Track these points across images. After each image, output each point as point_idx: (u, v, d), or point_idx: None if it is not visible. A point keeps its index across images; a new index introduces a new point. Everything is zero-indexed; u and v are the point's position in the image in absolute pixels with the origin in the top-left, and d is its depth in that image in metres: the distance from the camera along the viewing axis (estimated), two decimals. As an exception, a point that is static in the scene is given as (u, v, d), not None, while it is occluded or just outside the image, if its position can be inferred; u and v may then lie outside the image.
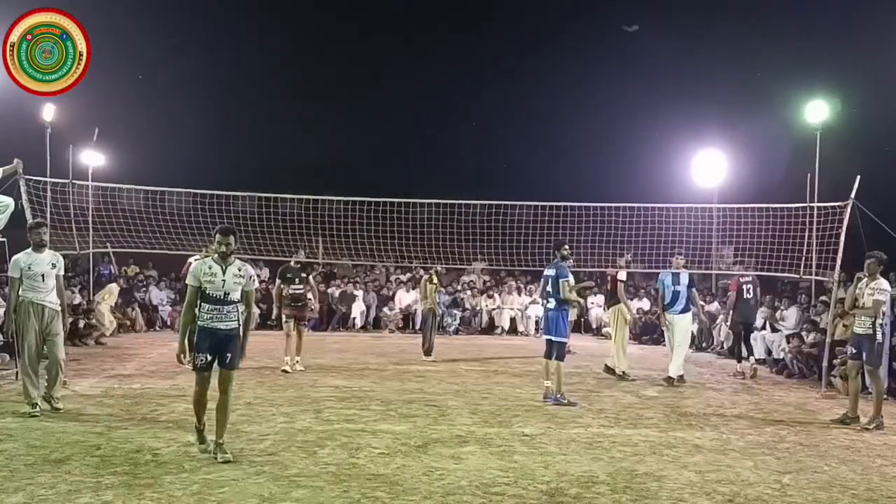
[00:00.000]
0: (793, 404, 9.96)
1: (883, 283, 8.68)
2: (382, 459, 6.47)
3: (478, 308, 20.00)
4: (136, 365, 11.45)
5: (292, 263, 12.31)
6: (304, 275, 12.21)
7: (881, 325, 8.57)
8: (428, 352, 13.57)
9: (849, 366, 9.05)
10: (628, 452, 6.98)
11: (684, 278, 11.69)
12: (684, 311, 11.64)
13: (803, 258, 11.96)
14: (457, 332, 19.17)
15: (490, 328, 19.64)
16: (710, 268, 15.02)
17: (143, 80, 23.83)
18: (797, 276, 12.52)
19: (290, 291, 11.94)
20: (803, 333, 13.16)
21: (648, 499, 5.66)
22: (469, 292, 20.38)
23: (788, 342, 13.19)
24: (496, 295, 20.07)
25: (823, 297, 13.78)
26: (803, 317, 13.97)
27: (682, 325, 11.67)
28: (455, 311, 19.56)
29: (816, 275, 12.11)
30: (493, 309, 19.83)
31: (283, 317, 11.97)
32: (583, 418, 8.56)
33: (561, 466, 6.43)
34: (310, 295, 12.25)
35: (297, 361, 11.71)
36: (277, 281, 12.25)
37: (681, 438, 7.63)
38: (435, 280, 13.82)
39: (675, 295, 11.60)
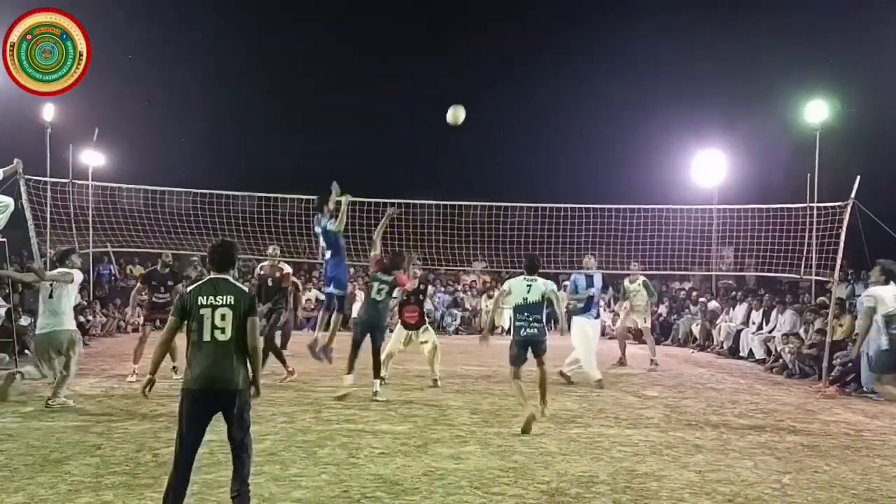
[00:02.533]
0: (793, 404, 9.96)
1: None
2: (382, 459, 6.47)
3: (478, 308, 20.00)
4: (136, 365, 11.42)
5: (159, 268, 11.09)
6: (171, 283, 10.91)
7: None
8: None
9: None
10: (628, 452, 6.98)
11: (598, 280, 11.20)
12: (597, 316, 11.30)
13: (803, 258, 11.97)
14: (457, 332, 19.17)
15: (490, 328, 19.60)
16: (710, 268, 15.03)
17: (141, 80, 23.82)
18: (797, 276, 12.54)
19: (154, 299, 10.80)
20: (801, 333, 13.17)
21: (648, 499, 5.65)
22: (469, 292, 20.38)
23: (786, 341, 13.18)
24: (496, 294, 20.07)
25: (822, 298, 13.79)
26: (801, 319, 13.96)
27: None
28: (455, 311, 19.57)
29: (816, 275, 12.12)
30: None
31: (141, 318, 11.00)
32: (583, 418, 8.56)
33: (561, 466, 6.43)
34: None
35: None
36: (138, 285, 11.23)
37: (681, 438, 7.63)
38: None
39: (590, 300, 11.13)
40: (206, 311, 4.81)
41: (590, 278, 11.13)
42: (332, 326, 10.00)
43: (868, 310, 8.77)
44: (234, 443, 4.91)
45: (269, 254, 11.33)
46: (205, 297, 4.85)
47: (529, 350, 8.16)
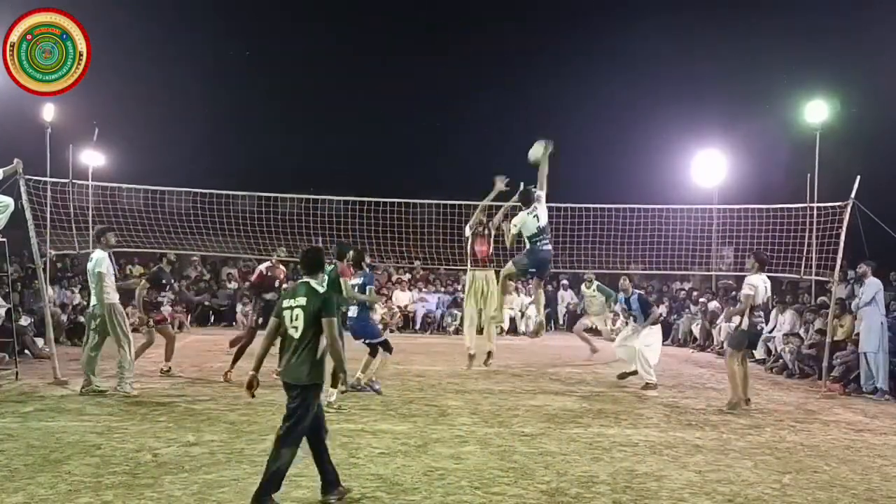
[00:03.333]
0: (793, 404, 9.96)
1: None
2: (382, 459, 6.48)
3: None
4: (135, 365, 11.43)
5: (164, 265, 11.19)
6: (173, 281, 11.02)
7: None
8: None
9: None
10: (628, 452, 6.98)
11: (634, 303, 11.23)
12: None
13: (803, 258, 11.97)
14: (457, 332, 19.16)
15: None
16: (710, 268, 15.04)
17: (141, 80, 23.78)
18: (797, 276, 12.54)
19: (159, 298, 11.01)
20: (801, 333, 13.17)
21: (648, 499, 5.66)
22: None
23: (786, 341, 13.17)
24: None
25: (822, 298, 13.79)
26: (801, 319, 13.95)
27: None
28: (455, 312, 19.56)
29: (816, 275, 12.12)
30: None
31: (150, 321, 10.73)
32: (583, 418, 8.57)
33: (561, 466, 6.44)
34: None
35: (170, 367, 10.89)
36: (144, 282, 11.00)
37: (681, 438, 7.64)
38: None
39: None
40: (287, 312, 5.29)
41: (627, 300, 11.37)
42: (374, 365, 9.78)
43: (747, 297, 9.29)
44: (278, 436, 5.17)
45: (277, 254, 11.80)
46: (288, 299, 5.35)
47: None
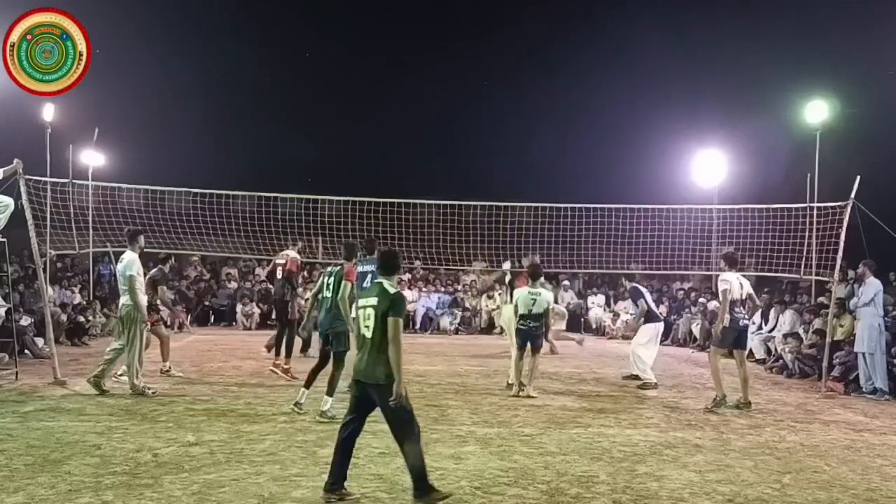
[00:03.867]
0: (793, 404, 9.97)
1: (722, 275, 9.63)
2: (382, 459, 6.48)
3: (478, 308, 20.00)
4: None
5: (167, 270, 11.38)
6: (172, 281, 11.46)
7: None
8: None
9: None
10: (628, 452, 6.98)
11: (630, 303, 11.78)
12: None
13: (803, 258, 11.97)
14: (457, 332, 19.18)
15: (490, 328, 19.63)
16: (710, 268, 15.04)
17: (141, 80, 23.76)
18: (797, 276, 12.53)
19: (166, 297, 11.29)
20: (801, 333, 13.17)
21: (648, 499, 5.66)
22: (469, 292, 20.39)
23: (786, 342, 13.18)
24: (496, 295, 20.04)
25: (822, 298, 13.79)
26: (801, 319, 13.95)
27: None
28: (455, 311, 19.57)
29: (816, 275, 12.12)
30: (493, 309, 19.81)
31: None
32: (583, 418, 8.57)
33: (561, 466, 6.44)
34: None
35: (170, 367, 10.97)
36: (160, 288, 10.93)
37: (681, 438, 7.64)
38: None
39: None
40: (361, 311, 5.42)
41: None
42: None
43: (724, 291, 9.40)
44: (394, 438, 5.32)
45: (298, 249, 12.04)
46: (363, 299, 5.50)
47: (528, 343, 9.99)
